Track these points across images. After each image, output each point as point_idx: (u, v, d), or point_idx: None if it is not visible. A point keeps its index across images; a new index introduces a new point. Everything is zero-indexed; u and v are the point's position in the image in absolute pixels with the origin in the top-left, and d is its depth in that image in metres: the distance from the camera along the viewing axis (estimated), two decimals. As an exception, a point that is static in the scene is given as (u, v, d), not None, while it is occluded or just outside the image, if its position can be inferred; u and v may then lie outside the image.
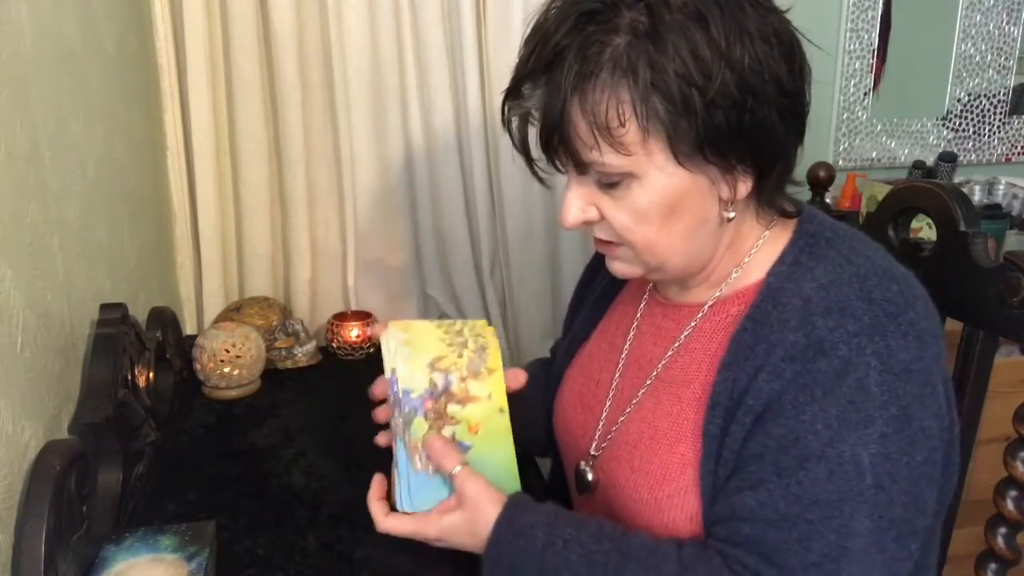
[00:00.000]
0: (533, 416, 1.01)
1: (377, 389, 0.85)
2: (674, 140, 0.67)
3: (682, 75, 0.65)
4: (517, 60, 0.72)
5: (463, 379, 0.77)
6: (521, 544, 0.72)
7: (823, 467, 0.65)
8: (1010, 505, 0.87)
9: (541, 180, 0.79)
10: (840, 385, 0.66)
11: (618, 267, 0.79)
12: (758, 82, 0.66)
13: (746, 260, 0.78)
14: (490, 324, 0.84)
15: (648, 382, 0.82)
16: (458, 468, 0.74)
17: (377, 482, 0.79)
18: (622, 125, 0.66)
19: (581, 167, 0.71)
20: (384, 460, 0.88)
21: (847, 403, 0.66)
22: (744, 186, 0.72)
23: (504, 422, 0.77)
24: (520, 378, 0.86)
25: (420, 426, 0.75)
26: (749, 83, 0.66)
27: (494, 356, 0.78)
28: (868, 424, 0.65)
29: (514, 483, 0.78)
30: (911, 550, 0.68)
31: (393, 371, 0.77)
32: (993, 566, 0.91)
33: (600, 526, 0.73)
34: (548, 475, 1.08)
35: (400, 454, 0.77)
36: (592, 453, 0.87)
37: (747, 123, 0.67)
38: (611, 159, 0.68)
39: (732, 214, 0.74)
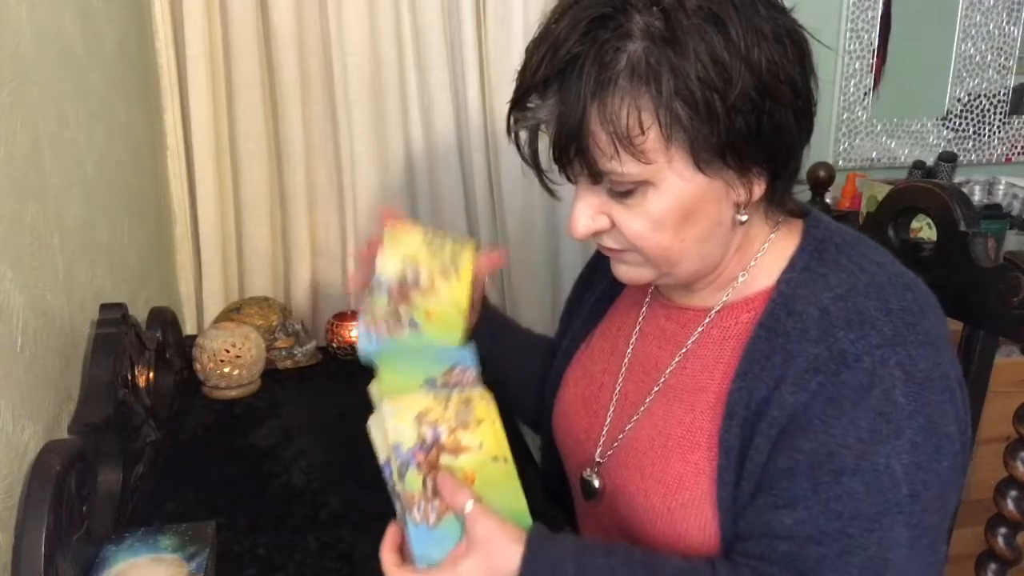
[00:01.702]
0: (521, 390, 1.03)
1: None
2: (696, 146, 0.66)
3: (704, 80, 0.63)
4: (521, 70, 0.70)
5: (452, 430, 0.75)
6: None
7: (859, 480, 0.65)
8: (1010, 505, 0.87)
9: (551, 192, 0.78)
10: (867, 397, 0.66)
11: (625, 272, 0.77)
12: (775, 84, 0.66)
13: (752, 263, 0.78)
14: None
15: (656, 388, 0.81)
16: (470, 505, 0.70)
17: (391, 531, 0.74)
18: (642, 133, 0.65)
19: (596, 176, 0.69)
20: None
21: (876, 415, 0.66)
22: (758, 188, 0.71)
23: (501, 469, 0.75)
24: (492, 260, 0.89)
25: (413, 478, 0.74)
26: (767, 85, 0.65)
27: (480, 408, 0.77)
28: (898, 435, 0.66)
29: (526, 523, 0.76)
30: (940, 553, 0.69)
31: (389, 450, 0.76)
32: (993, 566, 0.91)
33: (629, 552, 0.72)
34: (544, 480, 1.07)
35: (404, 512, 0.75)
36: (598, 459, 0.86)
37: (765, 125, 0.67)
38: (630, 168, 0.67)
39: (745, 217, 0.73)
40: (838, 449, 0.66)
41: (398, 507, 0.75)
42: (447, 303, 0.85)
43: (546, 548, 0.69)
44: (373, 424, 0.76)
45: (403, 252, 0.86)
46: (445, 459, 0.74)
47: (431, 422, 0.75)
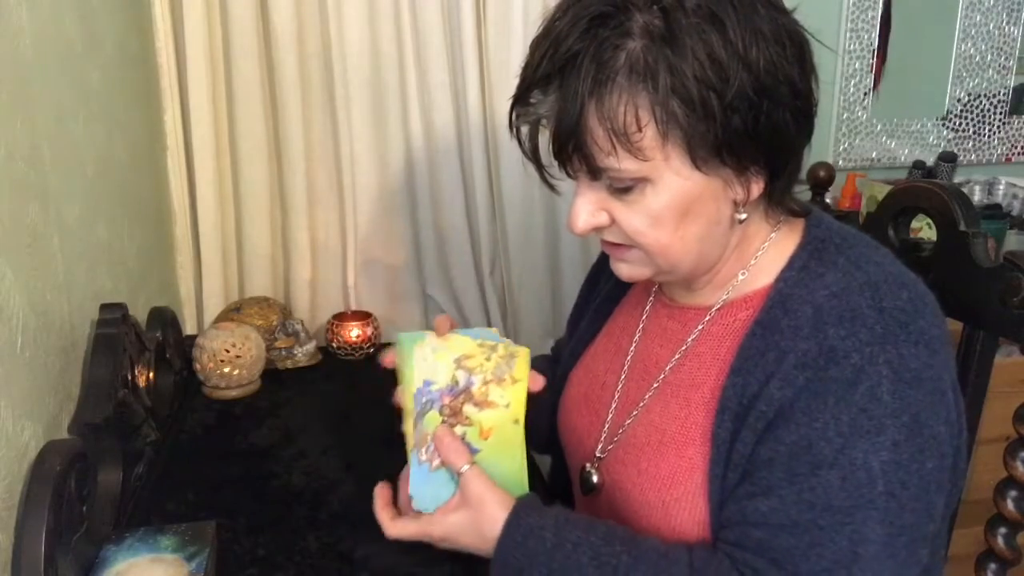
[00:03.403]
0: (535, 412, 1.01)
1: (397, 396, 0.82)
2: (693, 144, 0.66)
3: (701, 78, 0.64)
4: (524, 66, 0.71)
5: (486, 382, 0.76)
6: (530, 546, 0.71)
7: (835, 474, 0.66)
8: (1010, 505, 0.87)
9: (552, 187, 0.78)
10: (852, 393, 0.66)
11: (625, 270, 0.78)
12: (772, 83, 0.66)
13: (752, 262, 0.78)
14: (490, 325, 0.84)
15: (655, 385, 0.82)
16: (467, 467, 0.74)
17: (380, 491, 0.79)
18: (639, 130, 0.66)
19: (595, 173, 0.70)
20: (385, 459, 0.88)
21: (859, 411, 0.66)
22: (757, 187, 0.72)
23: (518, 433, 0.77)
24: (538, 382, 0.82)
25: (433, 419, 0.75)
26: (764, 85, 0.66)
27: (521, 367, 0.77)
28: (880, 432, 0.66)
29: (524, 487, 0.78)
30: (920, 555, 0.68)
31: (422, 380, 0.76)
32: (993, 566, 0.91)
33: (610, 529, 0.73)
34: (548, 475, 1.08)
35: (410, 447, 0.77)
36: (597, 455, 0.87)
37: (763, 125, 0.67)
38: (628, 164, 0.67)
39: (744, 215, 0.74)
40: (818, 441, 0.67)
41: (409, 439, 0.76)
42: (503, 415, 0.78)
43: (529, 515, 0.73)
44: (406, 340, 0.76)
45: (454, 354, 0.78)
46: (469, 409, 0.75)
47: (468, 368, 0.76)
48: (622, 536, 0.72)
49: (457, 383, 0.75)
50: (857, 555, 0.65)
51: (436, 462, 0.75)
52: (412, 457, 0.76)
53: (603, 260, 0.99)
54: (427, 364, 0.76)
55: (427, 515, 0.76)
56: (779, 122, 0.68)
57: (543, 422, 1.01)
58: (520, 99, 0.72)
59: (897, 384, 0.66)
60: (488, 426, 0.75)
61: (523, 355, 0.78)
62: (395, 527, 0.77)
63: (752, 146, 0.68)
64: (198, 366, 1.25)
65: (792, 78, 0.68)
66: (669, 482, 0.76)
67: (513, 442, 0.76)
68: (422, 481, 0.75)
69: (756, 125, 0.66)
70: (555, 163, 0.74)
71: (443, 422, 0.76)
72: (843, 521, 0.65)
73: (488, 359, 0.77)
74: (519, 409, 0.77)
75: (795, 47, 0.68)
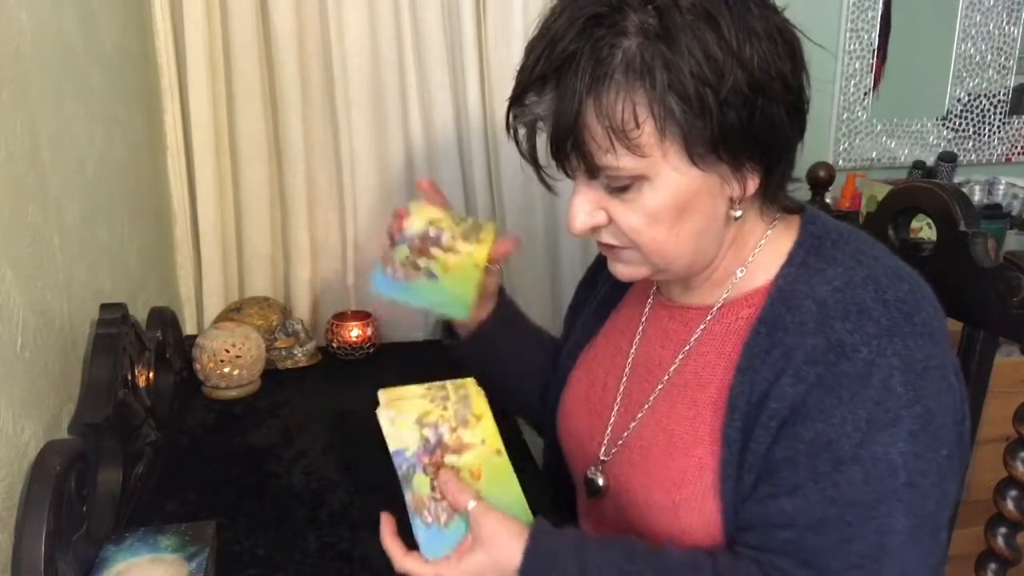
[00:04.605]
0: (523, 391, 1.04)
1: None
2: (690, 140, 0.67)
3: (697, 75, 0.65)
4: (520, 68, 0.72)
5: (453, 429, 0.77)
6: None
7: (858, 469, 0.66)
8: (1010, 505, 0.87)
9: (549, 188, 0.79)
10: (866, 387, 0.67)
11: (622, 270, 0.78)
12: (766, 80, 0.67)
13: (750, 259, 0.78)
14: None
15: (659, 386, 0.82)
16: (473, 504, 0.72)
17: (386, 519, 0.76)
18: (637, 127, 0.66)
19: (593, 171, 0.70)
20: (384, 459, 0.88)
21: (874, 404, 0.66)
22: (752, 183, 0.72)
23: (505, 463, 0.77)
24: (507, 244, 0.94)
25: (422, 481, 0.74)
26: (758, 81, 0.66)
27: (478, 403, 0.78)
28: (896, 423, 0.66)
29: (527, 520, 0.77)
30: (941, 541, 0.70)
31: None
32: (993, 566, 0.91)
33: (628, 545, 0.73)
34: (543, 469, 1.08)
35: (411, 515, 0.76)
36: (602, 458, 0.86)
37: (757, 120, 0.68)
38: (626, 162, 0.68)
39: (739, 212, 0.74)
40: (837, 438, 0.67)
41: (407, 497, 0.75)
42: (465, 259, 0.91)
43: (547, 543, 0.71)
44: (381, 415, 0.77)
45: (429, 216, 0.93)
46: (450, 459, 0.75)
47: (431, 423, 0.76)
48: (642, 552, 0.72)
49: (428, 440, 0.76)
50: (885, 548, 0.66)
51: (444, 518, 0.74)
52: (416, 524, 0.75)
53: (601, 261, 0.99)
54: (392, 435, 0.76)
55: (442, 560, 0.73)
56: (773, 117, 0.69)
57: (536, 394, 1.03)
58: (517, 100, 0.72)
59: (908, 375, 0.67)
60: (475, 465, 0.75)
61: (473, 390, 0.79)
62: (407, 561, 0.73)
63: (747, 141, 0.69)
64: (198, 366, 1.25)
65: (784, 74, 0.69)
66: (678, 483, 0.76)
67: (504, 472, 0.76)
68: (434, 542, 0.74)
69: (751, 120, 0.67)
70: (553, 163, 0.74)
71: (431, 481, 0.75)
72: (869, 515, 0.66)
73: (445, 408, 0.77)
74: (495, 440, 0.77)
75: (787, 44, 0.69)
